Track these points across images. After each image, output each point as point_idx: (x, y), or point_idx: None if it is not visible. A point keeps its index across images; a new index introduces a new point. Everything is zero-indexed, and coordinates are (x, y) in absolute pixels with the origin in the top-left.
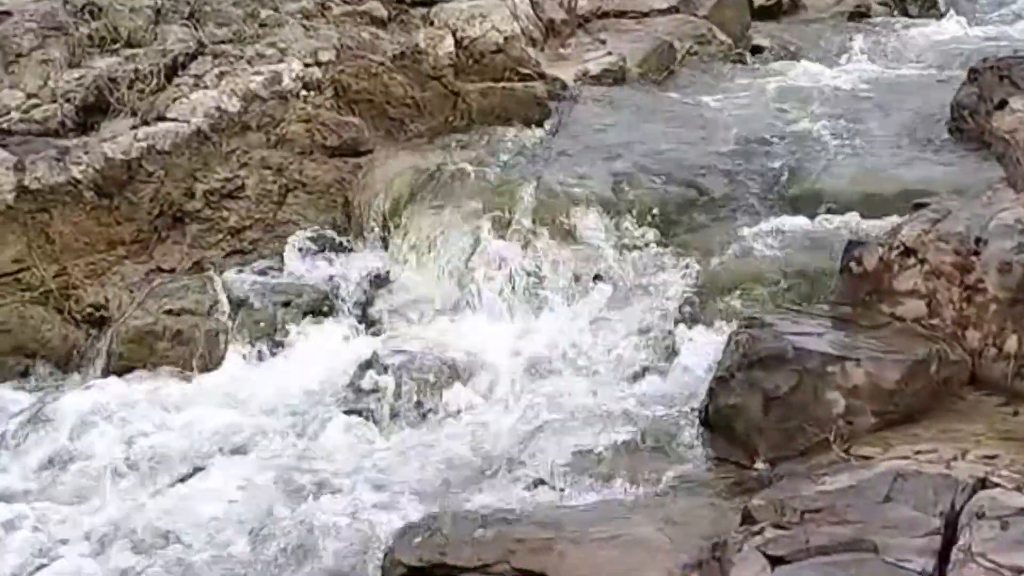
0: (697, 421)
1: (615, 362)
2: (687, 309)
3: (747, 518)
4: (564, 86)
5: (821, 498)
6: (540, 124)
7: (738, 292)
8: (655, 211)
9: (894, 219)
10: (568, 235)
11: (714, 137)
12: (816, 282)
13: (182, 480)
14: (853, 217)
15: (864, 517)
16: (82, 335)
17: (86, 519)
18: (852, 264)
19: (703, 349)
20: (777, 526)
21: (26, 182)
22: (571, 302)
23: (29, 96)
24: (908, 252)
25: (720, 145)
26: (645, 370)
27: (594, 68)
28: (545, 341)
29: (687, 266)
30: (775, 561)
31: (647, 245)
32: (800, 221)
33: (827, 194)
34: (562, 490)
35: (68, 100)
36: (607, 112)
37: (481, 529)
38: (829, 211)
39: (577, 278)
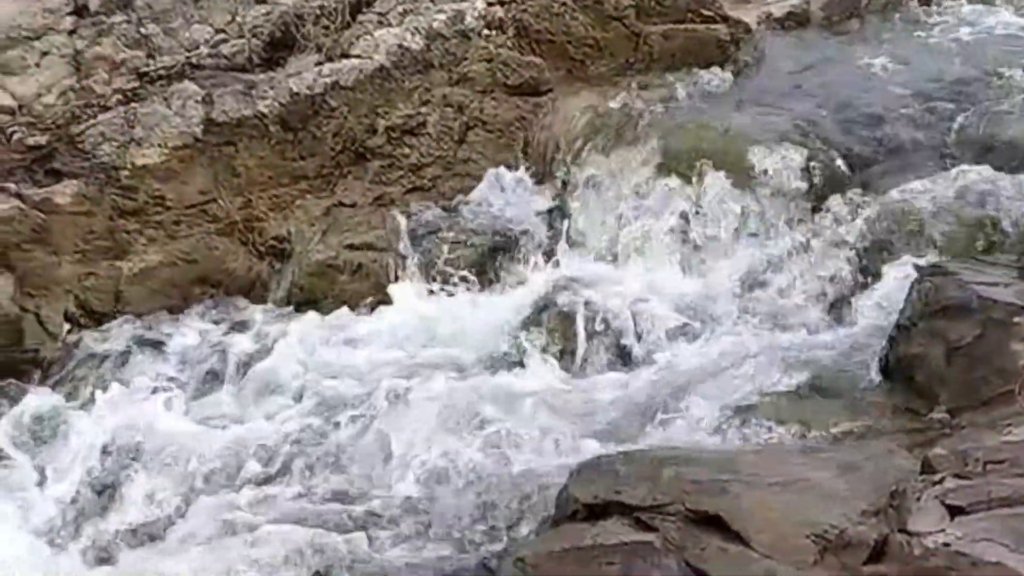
0: (876, 369)
1: (791, 308)
2: (866, 256)
3: (927, 467)
4: (747, 29)
5: (1005, 449)
6: (722, 67)
7: (921, 240)
8: (836, 157)
9: None
10: (749, 179)
11: (899, 83)
12: (1001, 232)
13: (361, 414)
14: None
15: None
16: (265, 267)
17: (272, 439)
18: None
19: (883, 296)
20: (958, 476)
21: (214, 115)
22: (749, 246)
23: (217, 31)
24: None
25: (906, 91)
26: (822, 316)
27: (777, 11)
28: (723, 285)
29: (869, 213)
30: (955, 511)
31: (828, 191)
32: (986, 170)
33: (1015, 144)
34: (738, 433)
35: (255, 35)
36: (790, 56)
37: (656, 469)
38: (1016, 161)
39: (757, 222)
